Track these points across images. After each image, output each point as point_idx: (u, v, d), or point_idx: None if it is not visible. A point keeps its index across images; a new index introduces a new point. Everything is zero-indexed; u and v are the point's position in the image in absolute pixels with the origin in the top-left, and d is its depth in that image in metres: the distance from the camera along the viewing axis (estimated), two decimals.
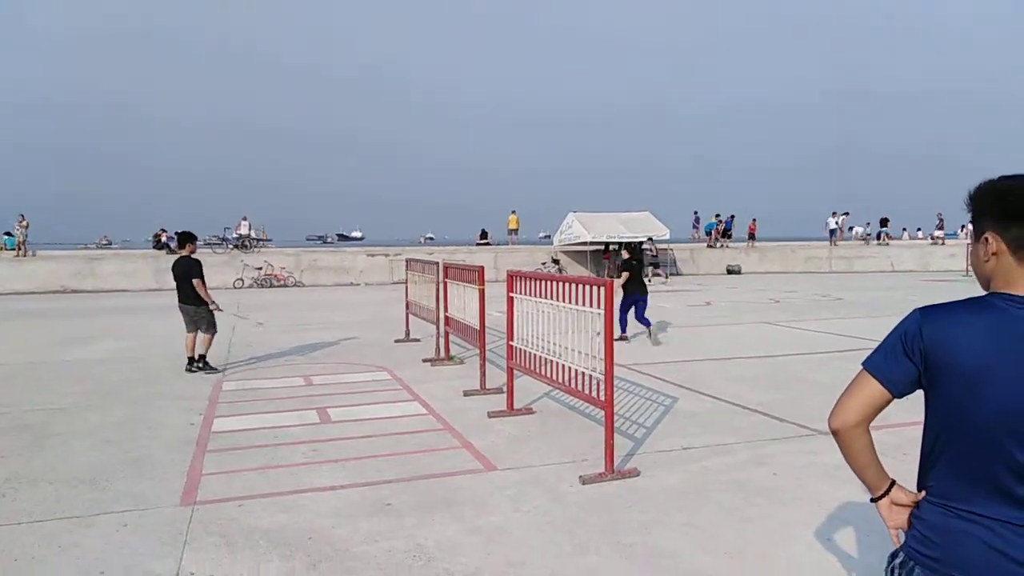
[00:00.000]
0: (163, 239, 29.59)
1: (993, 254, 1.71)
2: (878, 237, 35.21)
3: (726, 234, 33.30)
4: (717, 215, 33.61)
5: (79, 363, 10.15)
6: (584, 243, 28.53)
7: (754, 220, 34.39)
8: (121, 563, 3.85)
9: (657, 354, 10.27)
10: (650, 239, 29.22)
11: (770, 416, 6.80)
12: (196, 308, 9.28)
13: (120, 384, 8.62)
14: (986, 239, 1.72)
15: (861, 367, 1.81)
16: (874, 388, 1.76)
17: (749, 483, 5.00)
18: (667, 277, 28.78)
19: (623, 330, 11.53)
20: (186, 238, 9.71)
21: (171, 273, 9.57)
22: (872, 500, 1.89)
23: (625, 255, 12.04)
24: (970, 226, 1.82)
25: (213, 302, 9.39)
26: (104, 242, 43.54)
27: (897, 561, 1.82)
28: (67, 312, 17.55)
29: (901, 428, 5.49)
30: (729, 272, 31.03)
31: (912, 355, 1.72)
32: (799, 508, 4.54)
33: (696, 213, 35.38)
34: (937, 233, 35.10)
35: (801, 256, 32.94)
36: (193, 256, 9.50)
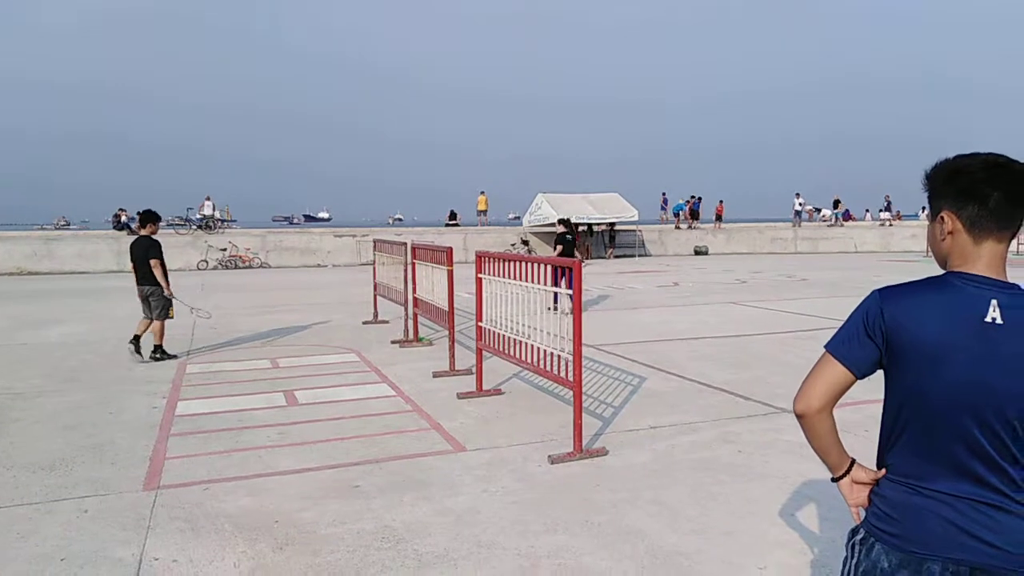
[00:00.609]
0: (123, 219, 28.94)
1: (949, 233, 1.72)
2: (845, 218, 35.77)
3: (694, 215, 33.56)
4: (689, 199, 33.87)
5: (37, 347, 9.90)
6: (553, 224, 28.52)
7: (721, 202, 34.73)
8: (82, 549, 3.77)
9: (625, 334, 10.33)
10: (611, 225, 29.51)
11: (735, 395, 6.89)
12: (153, 288, 8.90)
13: (80, 368, 8.43)
14: (942, 218, 1.73)
15: (824, 350, 1.81)
16: (838, 371, 1.76)
17: (715, 461, 5.07)
18: (610, 257, 29.09)
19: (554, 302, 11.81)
20: (147, 217, 9.36)
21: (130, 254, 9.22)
22: (833, 480, 1.91)
23: (561, 229, 12.49)
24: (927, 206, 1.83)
25: (168, 288, 8.98)
26: (62, 223, 42.50)
27: (858, 538, 1.85)
28: (24, 295, 17.08)
29: (862, 405, 5.60)
30: (697, 253, 31.33)
31: (874, 336, 1.73)
32: (764, 485, 4.61)
33: (664, 195, 35.63)
34: (884, 215, 35.66)
35: (767, 237, 33.35)
36: (153, 236, 9.14)
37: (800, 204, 34.92)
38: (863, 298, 1.79)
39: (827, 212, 35.99)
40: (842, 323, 1.81)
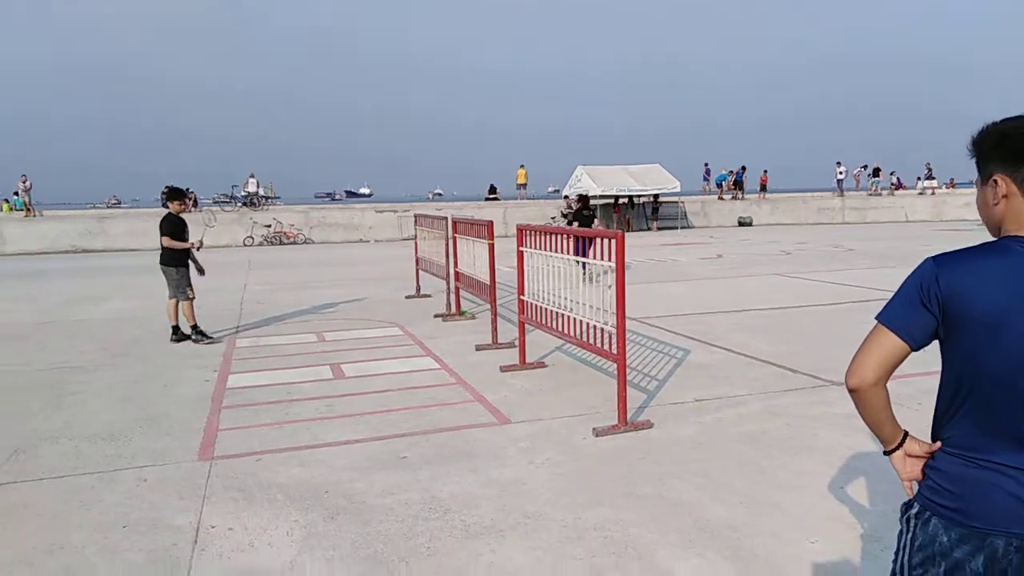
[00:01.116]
0: None
1: (1004, 196, 1.66)
2: (896, 187, 34.66)
3: (737, 185, 32.92)
4: (732, 169, 33.24)
5: (91, 322, 10.22)
6: (593, 196, 28.32)
7: (765, 172, 33.98)
8: (143, 517, 3.91)
9: (669, 306, 10.24)
10: (655, 197, 29.20)
11: (782, 367, 6.78)
12: (165, 268, 8.59)
13: (133, 342, 8.68)
14: (995, 181, 1.67)
15: (876, 321, 1.74)
16: (892, 342, 1.70)
17: (763, 434, 5.01)
18: (654, 229, 28.85)
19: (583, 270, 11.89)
20: (169, 195, 8.96)
21: None
22: (885, 453, 1.86)
23: (577, 205, 12.68)
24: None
25: (194, 245, 8.66)
26: (113, 202, 43.62)
27: (913, 511, 1.80)
28: (78, 271, 17.63)
29: (914, 378, 5.47)
30: (741, 224, 30.79)
31: (929, 305, 1.66)
32: (813, 458, 4.54)
33: (707, 165, 35.02)
34: (927, 183, 34.30)
35: (813, 207, 32.59)
36: (172, 213, 8.71)
37: (841, 172, 33.93)
38: (915, 266, 1.73)
39: (875, 177, 34.77)
40: (894, 293, 1.75)
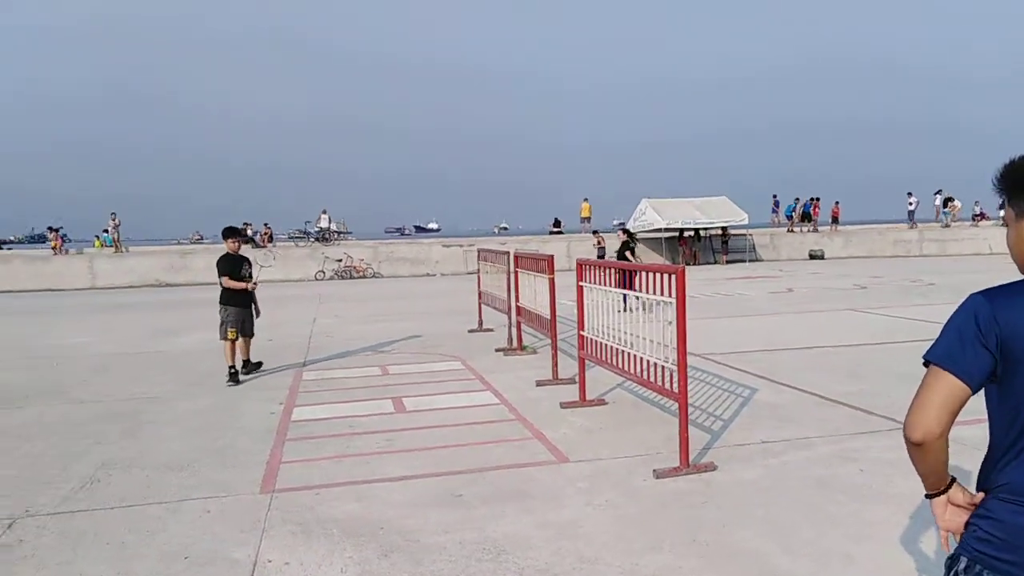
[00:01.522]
0: (249, 232, 30.76)
1: None
2: (978, 217, 33.09)
3: (806, 217, 32.06)
4: (797, 198, 32.48)
5: (170, 354, 10.64)
6: (658, 229, 28.07)
7: (837, 203, 33.04)
8: (204, 549, 3.99)
9: (735, 343, 9.98)
10: (724, 228, 28.79)
11: (856, 408, 6.49)
12: (220, 305, 8.56)
13: (206, 374, 8.97)
14: None
15: (930, 364, 1.66)
16: (953, 386, 1.61)
17: (833, 480, 4.78)
18: (724, 263, 28.33)
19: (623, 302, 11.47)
20: (224, 233, 8.83)
21: None
22: (928, 496, 1.75)
23: (623, 238, 13.38)
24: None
25: (248, 286, 8.54)
26: (196, 238, 45.56)
27: (961, 567, 1.66)
28: (160, 305, 18.44)
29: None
30: (812, 257, 29.93)
31: (987, 343, 1.59)
32: (886, 507, 4.30)
33: (775, 197, 34.27)
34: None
35: (889, 239, 31.46)
36: (229, 253, 8.66)
37: (912, 203, 32.65)
38: (961, 303, 1.65)
39: (958, 203, 33.18)
40: (941, 332, 1.67)
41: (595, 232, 16.67)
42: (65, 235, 31.86)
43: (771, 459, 5.23)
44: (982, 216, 33.42)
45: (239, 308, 8.58)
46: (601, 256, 11.43)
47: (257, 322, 8.98)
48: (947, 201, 33.04)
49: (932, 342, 1.71)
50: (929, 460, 1.67)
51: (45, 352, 11.12)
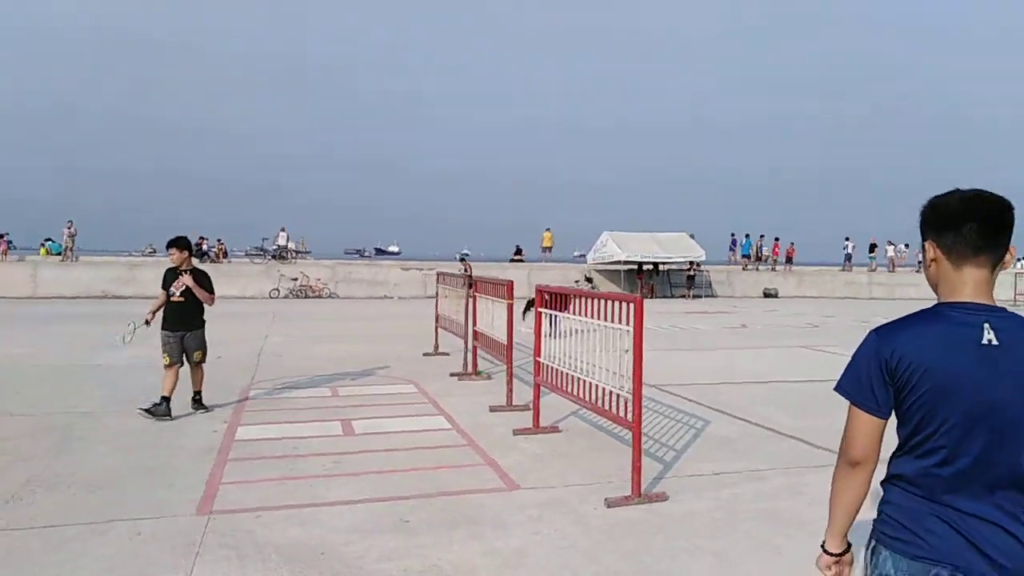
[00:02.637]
0: (203, 247, 30.11)
1: (932, 260, 1.83)
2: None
3: (759, 256, 32.79)
4: (760, 235, 33.20)
5: (108, 368, 10.24)
6: (618, 262, 28.33)
7: (792, 244, 33.81)
8: (129, 574, 3.77)
9: (690, 375, 10.01)
10: (691, 263, 29.18)
11: (806, 442, 6.53)
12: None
13: (147, 390, 8.60)
14: (925, 247, 1.85)
15: (849, 405, 1.83)
16: (866, 419, 1.80)
17: (782, 512, 4.76)
18: (690, 297, 28.73)
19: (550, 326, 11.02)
20: (168, 244, 7.68)
21: None
22: (824, 547, 1.93)
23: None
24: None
25: (149, 315, 7.67)
26: (149, 250, 44.36)
27: (869, 550, 1.88)
28: (104, 317, 17.79)
29: None
30: (766, 295, 30.50)
31: (885, 377, 1.77)
32: None
33: (733, 235, 34.91)
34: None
35: (840, 281, 32.29)
36: (173, 266, 7.65)
37: (848, 247, 33.84)
38: (862, 339, 1.83)
39: (902, 247, 34.34)
40: (846, 367, 1.84)
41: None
42: (11, 241, 30.73)
43: (723, 490, 5.20)
44: None
45: (172, 332, 7.50)
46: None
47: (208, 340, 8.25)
48: (872, 247, 34.60)
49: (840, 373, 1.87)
50: (858, 485, 1.85)
51: None
